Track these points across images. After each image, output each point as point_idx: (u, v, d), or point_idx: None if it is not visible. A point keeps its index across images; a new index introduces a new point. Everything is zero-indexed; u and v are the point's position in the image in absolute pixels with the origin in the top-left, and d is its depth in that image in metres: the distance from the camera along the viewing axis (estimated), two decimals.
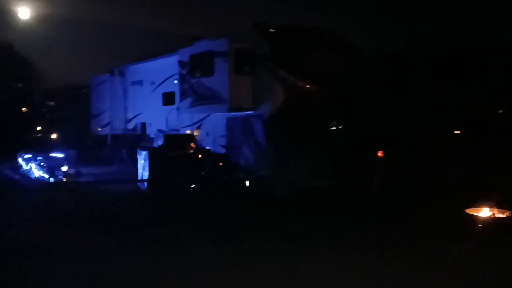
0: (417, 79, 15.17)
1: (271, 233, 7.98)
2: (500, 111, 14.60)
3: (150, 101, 16.65)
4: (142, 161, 12.56)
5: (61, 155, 15.90)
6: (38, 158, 15.07)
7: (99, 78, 20.06)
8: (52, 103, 30.42)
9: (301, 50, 12.92)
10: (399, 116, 12.35)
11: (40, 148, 16.76)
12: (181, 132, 14.49)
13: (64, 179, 12.02)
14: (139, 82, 17.70)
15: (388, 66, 15.40)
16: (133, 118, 18.04)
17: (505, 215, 8.57)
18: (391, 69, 15.12)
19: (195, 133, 13.89)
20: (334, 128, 12.32)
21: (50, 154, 15.91)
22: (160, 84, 16.22)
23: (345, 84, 12.54)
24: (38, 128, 23.73)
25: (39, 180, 13.70)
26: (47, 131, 22.32)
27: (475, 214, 8.49)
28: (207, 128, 13.81)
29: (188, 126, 14.32)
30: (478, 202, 8.74)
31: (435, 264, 6.39)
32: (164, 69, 15.84)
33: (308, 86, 12.48)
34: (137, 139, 16.68)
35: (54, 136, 20.44)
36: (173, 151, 12.06)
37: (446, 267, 6.23)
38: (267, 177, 11.69)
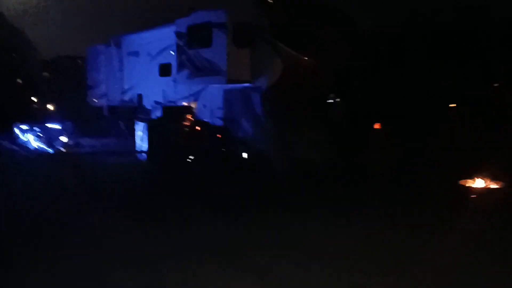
0: (414, 54, 15.19)
1: (269, 204, 8.14)
2: (496, 85, 14.74)
3: (146, 72, 16.53)
4: (140, 133, 12.62)
5: (58, 126, 15.91)
6: (35, 129, 15.08)
7: (94, 49, 19.84)
8: (46, 74, 30.11)
9: (300, 23, 12.84)
10: (397, 90, 12.43)
11: (36, 119, 16.74)
12: (178, 104, 14.47)
13: (64, 150, 12.07)
14: (135, 53, 17.53)
15: (386, 40, 15.37)
16: (129, 89, 17.94)
17: (498, 186, 8.77)
18: (389, 44, 15.10)
19: (193, 105, 13.89)
20: (332, 101, 12.40)
21: (47, 125, 15.91)
22: (157, 55, 16.10)
23: (344, 58, 12.54)
24: (34, 99, 23.57)
25: (38, 150, 13.74)
26: (43, 102, 22.20)
27: (469, 185, 8.69)
28: (204, 101, 13.79)
29: (185, 98, 14.30)
30: (472, 174, 8.93)
31: (429, 232, 6.58)
32: (161, 40, 15.69)
33: (306, 59, 12.46)
34: (134, 110, 16.66)
35: (50, 107, 20.34)
36: (171, 123, 12.11)
37: (439, 234, 6.42)
38: (265, 150, 11.80)
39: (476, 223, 6.89)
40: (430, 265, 5.36)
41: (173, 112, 12.93)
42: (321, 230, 6.78)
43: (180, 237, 6.43)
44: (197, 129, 12.14)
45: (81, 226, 6.96)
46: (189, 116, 12.66)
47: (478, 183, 8.77)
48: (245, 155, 11.72)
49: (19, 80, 26.84)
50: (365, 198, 8.40)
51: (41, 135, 14.39)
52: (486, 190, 8.75)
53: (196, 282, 4.96)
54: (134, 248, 6.00)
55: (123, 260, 5.57)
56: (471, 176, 8.92)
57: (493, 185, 8.90)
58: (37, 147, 14.11)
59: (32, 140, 14.57)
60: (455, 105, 13.55)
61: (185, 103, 14.22)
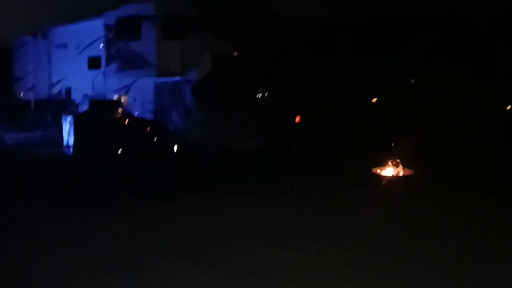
0: (342, 46, 15.91)
1: (197, 191, 8.39)
2: (413, 80, 15.80)
3: (75, 65, 16.20)
4: (68, 126, 12.42)
5: None
6: None
7: (21, 40, 19.10)
8: None
9: (229, 16, 13.13)
10: (322, 81, 12.99)
11: None
12: (108, 97, 14.33)
13: None
14: (64, 45, 17.11)
15: (314, 32, 15.94)
16: (58, 82, 17.49)
17: (407, 174, 9.53)
18: (316, 36, 15.68)
19: (122, 99, 13.82)
20: (260, 92, 12.81)
21: None
22: (86, 47, 15.81)
23: (271, 50, 12.98)
24: None
25: None
26: None
27: (381, 173, 9.39)
28: (134, 94, 13.77)
29: (115, 91, 14.19)
30: (385, 161, 9.64)
31: (340, 213, 7.08)
32: (89, 32, 15.43)
33: (235, 51, 12.79)
34: (62, 104, 16.29)
35: None
36: (99, 116, 12.02)
37: (350, 216, 6.92)
38: (195, 141, 12.00)
39: (383, 206, 7.45)
40: (339, 240, 5.80)
41: (101, 105, 12.84)
42: (243, 212, 7.14)
43: (109, 226, 6.52)
44: (126, 122, 12.12)
45: (9, 217, 6.87)
46: (118, 109, 12.60)
47: (389, 171, 9.48)
48: (175, 147, 11.87)
49: None
50: (286, 184, 8.83)
51: None
52: (397, 177, 9.47)
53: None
54: (62, 235, 6.05)
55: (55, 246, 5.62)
56: (384, 164, 9.60)
57: (403, 173, 9.63)
58: None
59: None
60: (375, 98, 14.43)
61: (115, 97, 14.12)
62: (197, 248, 5.61)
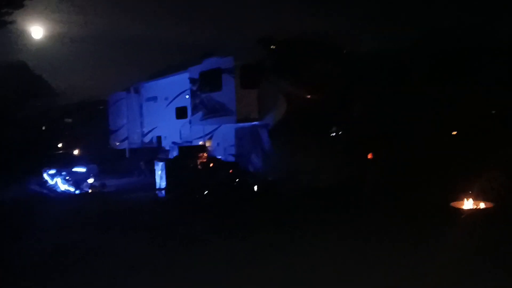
0: (415, 80, 16.12)
1: (277, 227, 9.01)
2: (493, 111, 15.51)
3: (164, 115, 17.87)
4: (160, 172, 13.71)
5: (83, 169, 17.11)
6: (62, 173, 16.30)
7: (115, 96, 21.34)
8: (69, 120, 31.70)
9: (301, 62, 13.99)
10: (396, 117, 13.26)
11: (63, 163, 17.96)
12: (194, 143, 15.66)
13: (90, 191, 13.20)
14: (154, 98, 18.95)
15: (386, 69, 16.32)
16: (149, 132, 19.28)
17: (487, 207, 9.50)
18: (388, 72, 16.04)
19: (207, 144, 15.04)
20: (334, 132, 13.35)
21: (73, 169, 17.13)
22: (173, 99, 17.45)
23: (343, 92, 13.57)
24: (59, 145, 25.05)
25: (66, 193, 14.93)
26: (68, 147, 23.60)
27: (460, 206, 9.44)
28: (217, 139, 14.95)
29: (200, 137, 15.50)
30: (463, 195, 9.68)
31: (422, 251, 7.25)
32: (176, 86, 17.08)
33: (308, 95, 13.54)
34: (154, 151, 17.93)
35: (75, 151, 21.72)
36: (187, 161, 13.21)
37: (431, 253, 7.10)
38: (274, 181, 12.74)
39: (464, 240, 7.55)
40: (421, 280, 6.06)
41: (189, 151, 14.04)
42: (324, 247, 7.59)
43: (197, 260, 7.33)
44: (211, 165, 13.17)
45: (109, 253, 7.93)
46: (203, 154, 13.74)
47: (468, 204, 9.49)
48: (255, 187, 12.67)
49: (43, 127, 28.42)
50: (364, 219, 9.17)
51: (68, 178, 15.59)
52: (477, 210, 9.46)
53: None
54: (161, 270, 6.94)
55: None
56: (462, 197, 9.65)
57: (484, 205, 9.60)
58: (64, 189, 15.31)
59: (60, 184, 15.79)
60: (453, 131, 14.37)
61: (200, 142, 15.42)
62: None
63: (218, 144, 14.92)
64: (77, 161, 18.52)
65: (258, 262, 7.03)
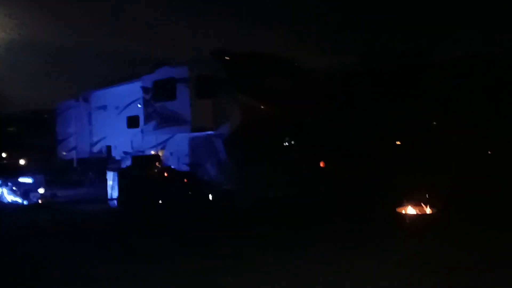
0: (361, 95, 16.89)
1: (233, 236, 9.15)
2: (434, 123, 16.52)
3: (114, 124, 17.54)
4: (111, 182, 13.51)
5: (30, 180, 16.51)
6: (8, 184, 15.67)
7: (64, 104, 20.71)
8: (12, 129, 30.41)
9: (255, 75, 14.30)
10: (345, 129, 13.82)
11: (8, 174, 17.26)
12: (146, 153, 15.49)
13: (40, 201, 12.79)
14: (104, 107, 18.57)
15: (334, 83, 17.01)
16: (99, 141, 18.84)
17: (429, 212, 10.12)
18: (337, 87, 16.72)
19: (160, 153, 14.95)
20: (287, 143, 13.70)
21: (19, 179, 16.49)
22: (124, 108, 17.18)
23: (295, 103, 13.97)
24: (3, 155, 24.00)
25: (13, 204, 14.36)
26: (12, 157, 22.67)
27: (404, 212, 10.00)
28: (171, 148, 14.89)
29: (153, 147, 15.35)
30: (408, 201, 10.27)
31: (365, 253, 7.69)
32: (127, 94, 16.84)
33: (262, 106, 13.83)
34: (103, 161, 17.55)
35: (21, 161, 20.91)
36: (140, 171, 13.09)
37: (378, 255, 7.54)
38: (229, 190, 12.88)
39: (406, 243, 8.08)
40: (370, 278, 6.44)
41: (142, 161, 13.92)
42: (277, 256, 7.82)
43: (154, 270, 7.32)
44: (165, 175, 13.13)
45: (62, 264, 7.75)
46: (156, 164, 13.66)
47: (412, 209, 10.10)
48: (210, 196, 12.75)
49: None
50: (315, 226, 9.52)
51: (15, 188, 15.01)
52: (420, 216, 10.07)
53: None
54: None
55: None
56: (407, 204, 10.23)
57: (427, 211, 10.23)
58: (11, 200, 14.72)
59: (6, 194, 15.16)
60: (398, 142, 15.15)
61: (152, 152, 15.28)
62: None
63: (171, 153, 14.85)
64: (23, 171, 17.85)
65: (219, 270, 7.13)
